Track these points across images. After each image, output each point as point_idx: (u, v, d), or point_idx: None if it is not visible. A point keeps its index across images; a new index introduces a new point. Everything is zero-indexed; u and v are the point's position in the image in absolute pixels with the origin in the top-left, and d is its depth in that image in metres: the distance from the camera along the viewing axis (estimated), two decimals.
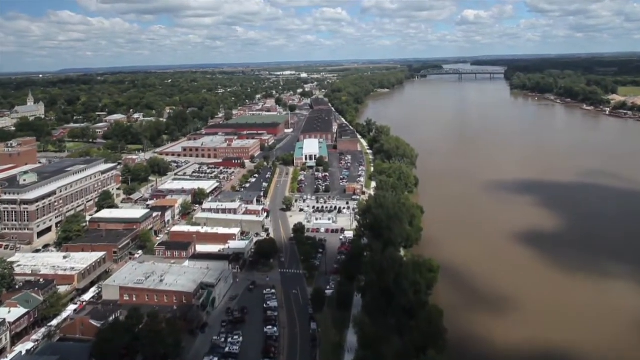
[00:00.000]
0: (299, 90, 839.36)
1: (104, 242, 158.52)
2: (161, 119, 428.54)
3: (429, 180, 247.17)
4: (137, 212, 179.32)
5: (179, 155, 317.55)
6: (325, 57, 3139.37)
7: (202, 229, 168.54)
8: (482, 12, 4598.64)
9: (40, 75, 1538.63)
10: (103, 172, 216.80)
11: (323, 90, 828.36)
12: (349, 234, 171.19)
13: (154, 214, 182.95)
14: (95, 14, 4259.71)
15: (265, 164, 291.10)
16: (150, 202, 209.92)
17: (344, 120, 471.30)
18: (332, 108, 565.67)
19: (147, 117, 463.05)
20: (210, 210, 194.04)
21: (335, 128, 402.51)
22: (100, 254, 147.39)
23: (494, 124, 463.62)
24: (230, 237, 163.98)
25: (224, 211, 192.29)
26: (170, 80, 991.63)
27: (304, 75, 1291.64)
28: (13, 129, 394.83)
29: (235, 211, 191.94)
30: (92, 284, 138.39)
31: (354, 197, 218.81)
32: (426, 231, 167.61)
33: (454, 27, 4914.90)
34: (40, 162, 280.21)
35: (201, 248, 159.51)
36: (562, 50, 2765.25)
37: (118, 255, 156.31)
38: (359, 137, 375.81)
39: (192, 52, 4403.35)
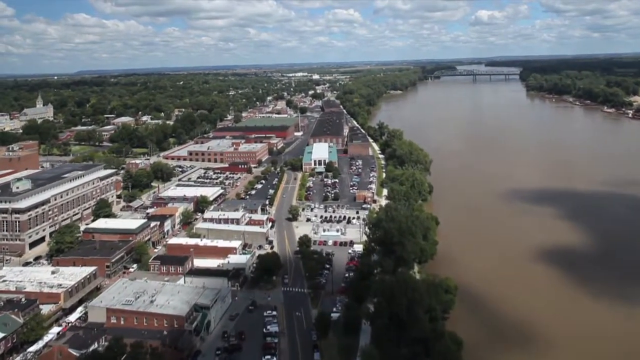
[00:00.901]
0: (311, 92, 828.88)
1: (97, 254, 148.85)
2: (168, 122, 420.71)
3: (444, 188, 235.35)
4: (134, 223, 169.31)
5: (184, 160, 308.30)
6: (337, 59, 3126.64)
7: (201, 242, 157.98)
8: (496, 12, 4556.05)
9: (55, 77, 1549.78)
10: (102, 179, 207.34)
11: (335, 92, 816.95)
12: (359, 248, 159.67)
13: (152, 224, 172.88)
14: (110, 17, 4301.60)
15: (273, 169, 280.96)
16: (150, 210, 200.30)
17: (355, 123, 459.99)
18: (344, 110, 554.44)
19: (155, 119, 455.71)
20: (211, 220, 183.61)
21: (346, 131, 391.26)
22: (91, 269, 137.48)
23: (511, 126, 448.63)
24: (231, 250, 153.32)
25: (226, 221, 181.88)
26: (181, 82, 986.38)
27: (315, 76, 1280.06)
28: (20, 131, 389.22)
29: (238, 221, 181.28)
30: (80, 302, 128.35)
31: (364, 205, 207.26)
32: (442, 244, 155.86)
33: (468, 27, 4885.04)
34: (42, 167, 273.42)
35: (199, 262, 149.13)
36: (578, 50, 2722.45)
37: (111, 269, 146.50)
38: (370, 140, 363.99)
39: (206, 53, 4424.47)
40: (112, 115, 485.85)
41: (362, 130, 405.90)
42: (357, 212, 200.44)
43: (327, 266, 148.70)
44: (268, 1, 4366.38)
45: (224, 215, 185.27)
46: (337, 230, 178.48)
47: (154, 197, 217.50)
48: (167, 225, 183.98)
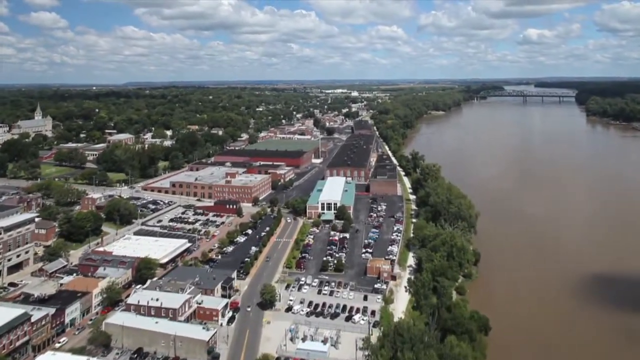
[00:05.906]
0: (345, 110, 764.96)
1: None
2: (164, 142, 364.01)
3: (495, 254, 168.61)
4: (4, 315, 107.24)
5: (165, 192, 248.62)
6: (380, 76, 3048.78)
7: None
8: (546, 31, 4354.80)
9: (94, 87, 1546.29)
10: (7, 230, 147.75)
11: (371, 111, 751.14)
12: None
13: (38, 317, 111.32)
14: (156, 30, 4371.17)
15: (270, 210, 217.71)
16: (65, 280, 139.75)
17: (387, 149, 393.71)
18: (376, 132, 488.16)
19: (158, 137, 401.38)
20: (137, 307, 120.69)
21: (373, 160, 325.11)
22: None
23: (576, 160, 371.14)
24: None
25: (158, 311, 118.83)
26: (211, 97, 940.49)
27: (354, 93, 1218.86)
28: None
29: (175, 313, 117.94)
30: None
31: (377, 285, 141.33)
32: None
33: (516, 46, 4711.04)
34: None
35: None
36: (633, 72, 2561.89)
37: None
38: (401, 173, 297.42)
39: (249, 68, 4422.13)
40: (114, 131, 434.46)
41: (392, 159, 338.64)
42: (366, 298, 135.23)
43: None
44: (311, 17, 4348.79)
45: (156, 300, 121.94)
46: (325, 341, 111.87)
47: (83, 257, 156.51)
48: (74, 311, 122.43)
